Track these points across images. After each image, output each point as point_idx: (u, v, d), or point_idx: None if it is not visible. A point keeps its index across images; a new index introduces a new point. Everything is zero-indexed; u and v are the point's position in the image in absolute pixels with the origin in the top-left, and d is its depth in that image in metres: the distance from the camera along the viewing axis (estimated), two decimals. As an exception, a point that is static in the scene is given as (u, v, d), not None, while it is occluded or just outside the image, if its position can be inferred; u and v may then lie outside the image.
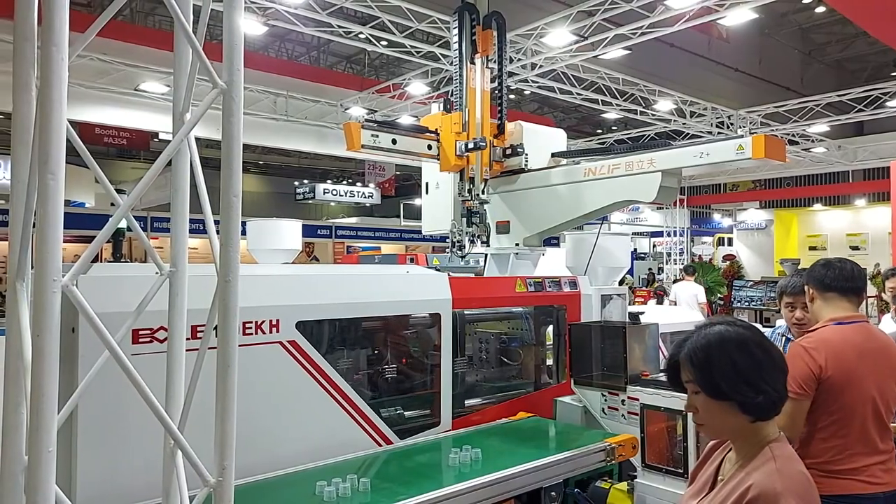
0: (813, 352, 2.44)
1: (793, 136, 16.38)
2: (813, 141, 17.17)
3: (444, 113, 4.90)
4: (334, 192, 21.12)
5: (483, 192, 4.87)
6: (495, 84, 5.02)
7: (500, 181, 5.02)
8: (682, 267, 15.79)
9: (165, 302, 1.45)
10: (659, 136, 16.27)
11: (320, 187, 20.76)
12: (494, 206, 5.06)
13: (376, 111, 13.91)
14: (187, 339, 1.51)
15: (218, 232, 1.29)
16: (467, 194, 4.82)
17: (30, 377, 1.07)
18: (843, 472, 2.38)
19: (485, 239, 5.13)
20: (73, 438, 2.39)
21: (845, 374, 2.43)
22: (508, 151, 4.98)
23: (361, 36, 10.85)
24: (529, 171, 4.87)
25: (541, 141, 5.06)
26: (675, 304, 10.88)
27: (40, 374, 1.03)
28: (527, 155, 4.89)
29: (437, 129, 4.83)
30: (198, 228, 1.57)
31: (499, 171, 5.00)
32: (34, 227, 1.15)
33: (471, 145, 4.69)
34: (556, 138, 5.25)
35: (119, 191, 1.50)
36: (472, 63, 4.85)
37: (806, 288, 2.76)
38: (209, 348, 1.38)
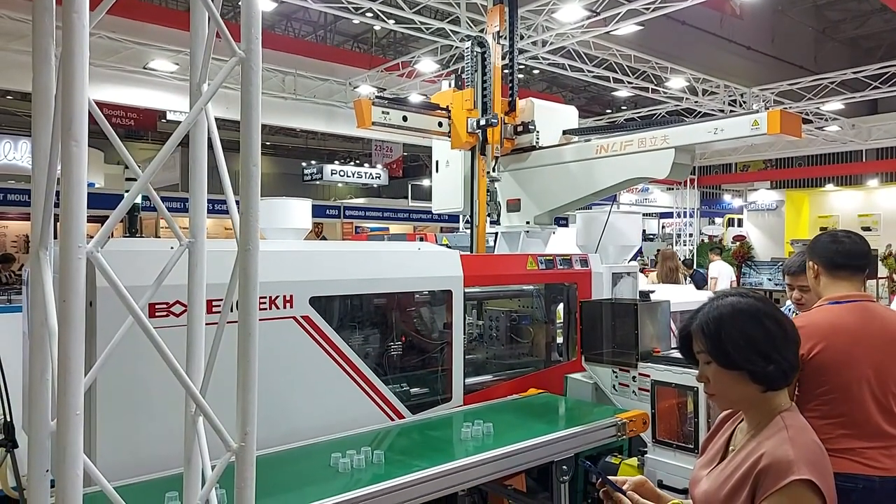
0: (802, 334, 2.35)
1: (806, 114, 16.16)
2: (827, 119, 16.95)
3: (455, 90, 4.88)
4: (342, 173, 21.13)
5: (494, 170, 4.85)
6: (506, 61, 4.97)
7: (511, 159, 5.00)
8: (711, 246, 15.92)
9: (181, 277, 1.46)
10: (670, 115, 16.12)
11: (328, 168, 20.77)
12: (505, 183, 5.04)
13: (385, 89, 13.83)
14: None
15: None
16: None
17: (56, 343, 1.09)
18: (835, 452, 2.26)
19: (495, 217, 5.13)
20: (92, 411, 2.43)
21: (836, 354, 2.33)
22: (520, 128, 4.96)
23: (369, 14, 10.76)
24: (541, 148, 4.85)
25: (552, 118, 5.02)
26: (717, 281, 11.25)
27: (66, 338, 1.04)
28: (538, 132, 4.87)
29: (448, 106, 4.80)
30: (210, 209, 1.58)
31: (510, 148, 4.97)
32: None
33: (482, 121, 4.66)
34: (568, 115, 5.21)
35: (129, 179, 1.50)
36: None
37: (809, 264, 2.59)
38: (228, 322, 1.39)
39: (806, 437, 1.52)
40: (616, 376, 3.82)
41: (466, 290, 3.74)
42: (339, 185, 24.09)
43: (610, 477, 1.66)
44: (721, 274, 11.53)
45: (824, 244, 2.55)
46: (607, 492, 1.66)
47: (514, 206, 5.03)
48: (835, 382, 2.34)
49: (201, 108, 1.26)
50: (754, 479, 1.48)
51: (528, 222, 4.93)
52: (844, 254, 2.50)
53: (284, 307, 2.95)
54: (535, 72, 16.67)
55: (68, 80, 1.05)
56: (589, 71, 13.24)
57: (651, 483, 1.73)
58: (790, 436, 1.50)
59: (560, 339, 4.56)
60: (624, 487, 1.65)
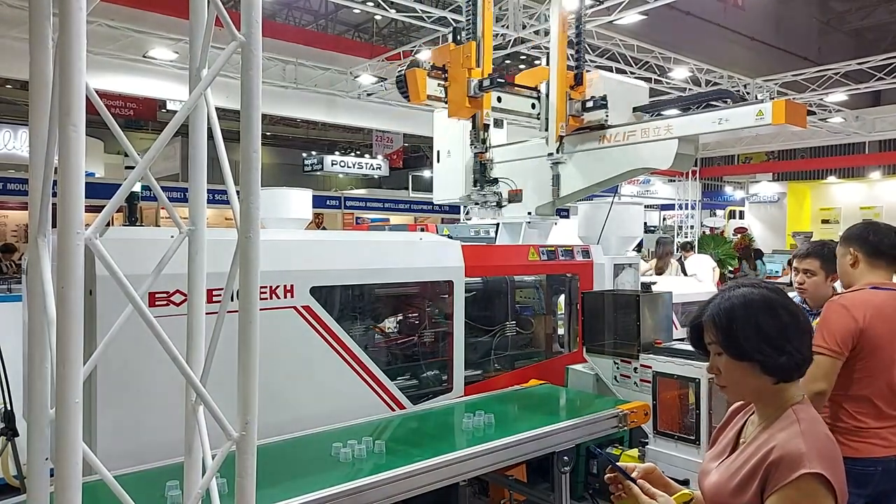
0: (853, 309, 2.45)
1: (810, 105, 16.07)
2: (830, 111, 16.87)
3: (453, 46, 4.17)
4: (342, 164, 21.05)
5: (558, 151, 4.34)
6: (572, 30, 4.50)
7: (578, 139, 4.44)
8: (683, 243, 15.59)
9: (181, 266, 1.44)
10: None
11: (328, 159, 20.68)
12: (504, 172, 4.91)
13: (385, 79, 13.75)
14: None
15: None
16: (480, 145, 4.31)
17: (55, 330, 1.07)
18: (868, 431, 2.44)
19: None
20: (92, 399, 2.42)
21: (880, 334, 2.46)
22: (589, 104, 4.41)
23: (370, 3, 10.68)
24: (610, 126, 4.36)
25: (622, 94, 4.54)
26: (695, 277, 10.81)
27: (65, 325, 1.03)
28: (607, 110, 4.35)
29: (444, 66, 4.09)
30: (210, 199, 1.56)
31: (576, 126, 4.46)
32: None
33: (486, 83, 4.05)
34: (638, 92, 4.74)
35: (129, 167, 1.48)
36: None
37: (848, 251, 2.67)
38: (228, 312, 1.38)
39: (818, 431, 1.49)
40: (617, 367, 3.81)
41: (468, 280, 3.73)
42: (340, 175, 23.99)
43: (619, 464, 1.63)
44: (700, 269, 10.39)
45: (863, 233, 2.65)
46: (614, 478, 1.62)
47: (515, 196, 4.99)
48: (874, 361, 2.45)
49: (201, 92, 1.24)
50: (764, 471, 1.46)
51: (529, 213, 4.90)
52: (888, 244, 2.60)
53: (285, 297, 2.93)
54: (537, 63, 16.58)
55: (66, 63, 1.03)
56: (592, 61, 13.14)
57: (659, 470, 1.71)
58: (802, 429, 1.47)
59: (561, 330, 4.55)
60: (633, 475, 1.62)
